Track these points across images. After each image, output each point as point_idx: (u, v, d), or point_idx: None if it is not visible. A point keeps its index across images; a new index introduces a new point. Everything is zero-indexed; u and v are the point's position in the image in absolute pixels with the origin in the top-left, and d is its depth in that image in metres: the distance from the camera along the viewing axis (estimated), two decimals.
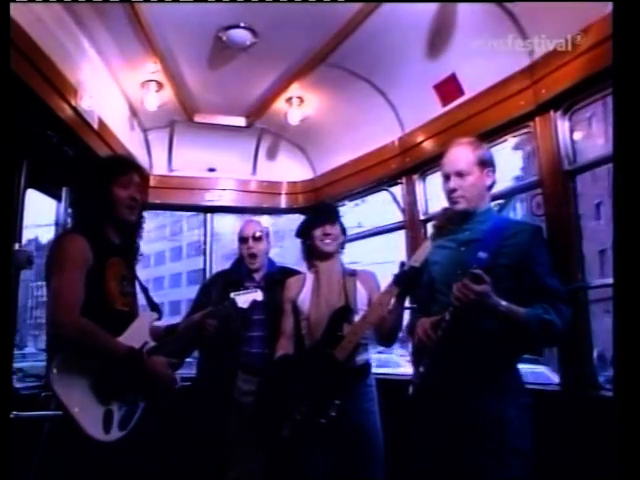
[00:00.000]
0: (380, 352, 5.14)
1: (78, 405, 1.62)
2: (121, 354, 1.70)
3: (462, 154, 1.89)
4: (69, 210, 2.74)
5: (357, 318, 2.25)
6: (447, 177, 1.91)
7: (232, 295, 2.22)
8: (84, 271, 1.72)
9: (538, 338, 1.77)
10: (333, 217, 2.46)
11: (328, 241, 2.39)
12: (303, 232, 2.47)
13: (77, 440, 1.62)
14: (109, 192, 1.84)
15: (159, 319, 1.97)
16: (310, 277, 2.44)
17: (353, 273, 2.45)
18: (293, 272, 2.66)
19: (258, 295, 2.27)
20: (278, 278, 2.63)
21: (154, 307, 2.02)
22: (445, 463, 1.72)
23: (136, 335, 1.81)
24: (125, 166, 1.95)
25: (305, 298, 2.38)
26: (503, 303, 1.66)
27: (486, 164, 1.88)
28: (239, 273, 2.72)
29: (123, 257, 1.90)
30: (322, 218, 2.44)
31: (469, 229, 1.87)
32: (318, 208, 2.71)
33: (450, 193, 1.89)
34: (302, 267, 2.59)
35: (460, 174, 1.87)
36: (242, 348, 2.57)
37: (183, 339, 2.02)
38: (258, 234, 2.69)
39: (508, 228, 1.79)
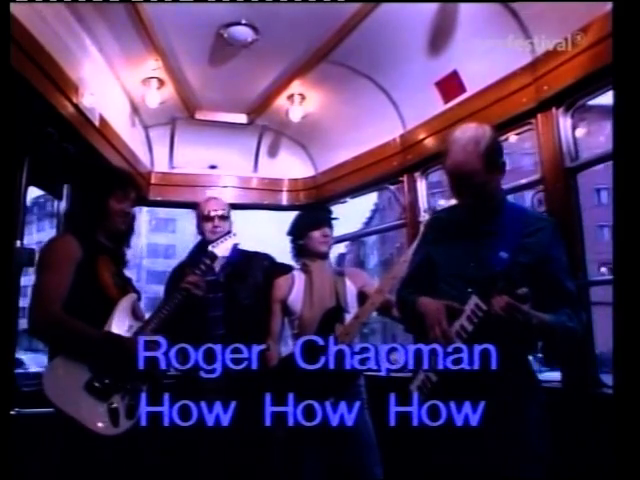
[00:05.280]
0: None
1: (82, 411, 1.64)
2: (98, 340, 1.73)
3: (468, 162, 1.56)
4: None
5: (348, 317, 2.25)
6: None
7: (210, 248, 2.12)
8: (70, 268, 1.77)
9: (560, 345, 1.74)
10: (331, 220, 2.45)
11: (326, 243, 2.40)
12: (299, 232, 2.44)
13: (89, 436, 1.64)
14: (105, 204, 1.92)
15: (139, 299, 1.98)
16: (300, 276, 2.42)
17: (341, 272, 2.45)
18: (256, 256, 2.57)
19: (236, 239, 2.19)
20: (241, 268, 2.50)
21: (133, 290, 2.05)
22: (462, 461, 1.58)
23: (120, 320, 1.83)
24: (124, 181, 2.04)
25: (297, 298, 2.36)
26: (537, 314, 1.50)
27: (495, 156, 1.59)
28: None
29: (112, 258, 1.96)
30: (322, 220, 2.43)
31: (483, 218, 1.67)
32: (316, 209, 2.65)
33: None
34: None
35: (473, 186, 1.59)
36: None
37: (171, 304, 1.95)
38: (223, 212, 2.54)
39: (528, 222, 1.63)
